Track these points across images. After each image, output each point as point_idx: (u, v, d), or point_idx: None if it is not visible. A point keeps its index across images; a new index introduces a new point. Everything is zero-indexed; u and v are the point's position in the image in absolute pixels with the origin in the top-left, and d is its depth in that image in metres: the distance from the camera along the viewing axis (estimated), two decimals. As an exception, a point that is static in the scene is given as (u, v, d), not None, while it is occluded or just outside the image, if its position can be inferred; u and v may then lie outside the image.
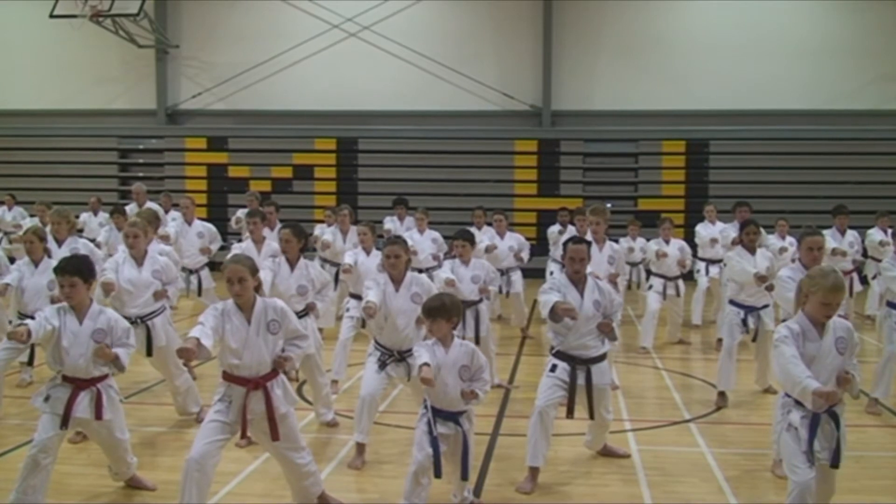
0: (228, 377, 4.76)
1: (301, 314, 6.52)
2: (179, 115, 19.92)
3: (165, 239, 9.82)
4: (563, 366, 5.71)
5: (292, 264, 6.87)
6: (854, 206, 13.13)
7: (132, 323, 6.40)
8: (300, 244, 6.89)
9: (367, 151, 19.06)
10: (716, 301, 11.68)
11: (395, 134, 18.84)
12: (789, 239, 11.17)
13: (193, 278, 10.38)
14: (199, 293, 10.41)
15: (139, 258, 6.96)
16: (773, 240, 11.14)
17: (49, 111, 19.55)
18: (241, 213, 12.34)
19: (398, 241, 6.17)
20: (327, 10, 18.92)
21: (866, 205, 14.97)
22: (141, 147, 19.83)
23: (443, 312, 4.92)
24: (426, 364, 4.76)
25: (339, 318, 8.98)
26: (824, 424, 4.46)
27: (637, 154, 18.55)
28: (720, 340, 10.49)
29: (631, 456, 6.27)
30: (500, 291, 10.75)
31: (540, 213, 17.98)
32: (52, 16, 17.86)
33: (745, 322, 7.74)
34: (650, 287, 10.67)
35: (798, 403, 4.47)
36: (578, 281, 5.77)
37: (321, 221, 13.10)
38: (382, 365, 5.98)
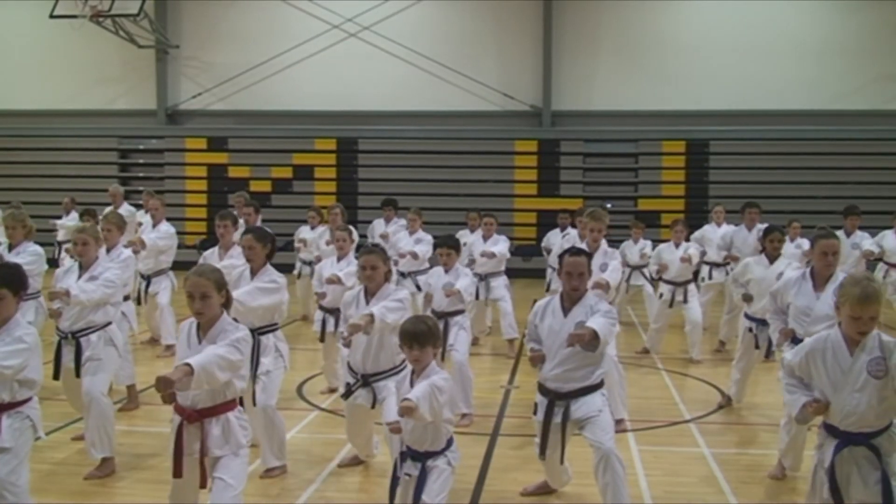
0: (175, 402, 4.18)
1: (264, 330, 5.85)
2: (179, 115, 19.92)
3: (141, 244, 9.17)
4: (541, 401, 5.04)
5: (254, 274, 5.93)
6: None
7: (63, 338, 5.99)
8: (266, 251, 5.98)
9: (367, 151, 19.05)
10: (727, 303, 10.70)
11: (395, 134, 18.83)
12: (798, 241, 10.76)
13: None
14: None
15: (87, 268, 6.12)
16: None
17: (49, 111, 19.55)
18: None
19: (375, 250, 5.61)
20: (327, 10, 18.91)
21: (867, 205, 14.92)
22: (141, 147, 19.83)
23: (430, 338, 4.36)
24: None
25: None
26: (859, 459, 3.96)
27: (637, 154, 18.54)
28: (722, 343, 10.43)
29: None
30: (477, 297, 9.84)
31: (540, 214, 17.96)
32: (52, 16, 17.85)
33: (756, 336, 7.18)
34: (660, 296, 10.13)
35: (829, 432, 4.07)
36: (574, 300, 5.00)
37: (325, 222, 12.75)
38: (348, 394, 5.50)
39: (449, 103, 18.72)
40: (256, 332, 5.62)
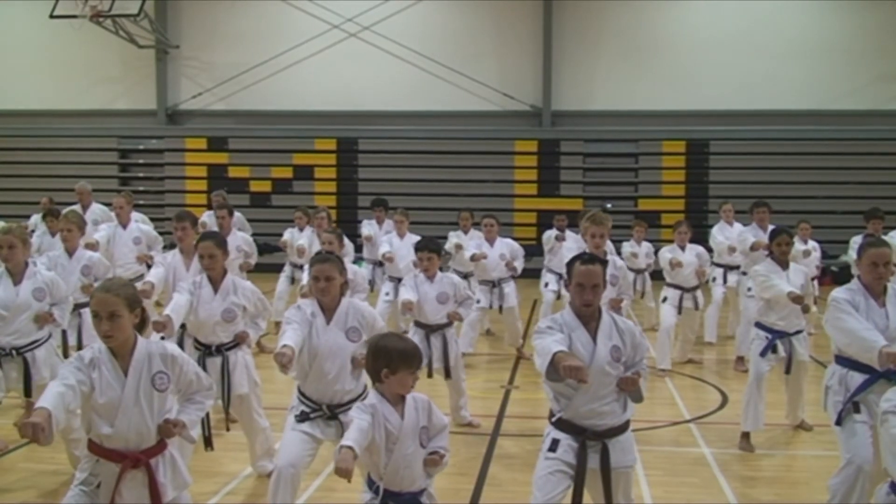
0: (96, 449, 3.57)
1: (230, 346, 5.56)
2: (179, 115, 19.91)
3: (92, 247, 8.39)
4: (567, 442, 4.04)
5: (216, 284, 5.57)
6: (854, 206, 13.11)
7: (6, 355, 5.62)
8: (226, 258, 5.66)
9: (367, 151, 19.06)
10: (733, 313, 10.46)
11: (395, 134, 18.83)
12: (812, 243, 10.53)
13: None
14: None
15: (16, 274, 5.74)
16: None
17: (49, 111, 19.55)
18: (206, 216, 10.85)
19: (329, 258, 4.76)
20: (327, 10, 18.91)
21: (866, 205, 14.89)
22: (141, 147, 19.84)
23: (415, 361, 3.65)
24: (348, 447, 3.41)
25: None
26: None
27: (637, 154, 18.55)
28: (740, 359, 9.28)
29: None
30: (491, 307, 9.66)
31: (540, 214, 17.96)
32: (52, 16, 17.84)
33: (774, 349, 6.56)
34: (664, 300, 9.32)
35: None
36: (590, 317, 4.11)
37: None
38: (304, 419, 4.59)
39: (449, 103, 18.71)
40: (224, 349, 5.54)
